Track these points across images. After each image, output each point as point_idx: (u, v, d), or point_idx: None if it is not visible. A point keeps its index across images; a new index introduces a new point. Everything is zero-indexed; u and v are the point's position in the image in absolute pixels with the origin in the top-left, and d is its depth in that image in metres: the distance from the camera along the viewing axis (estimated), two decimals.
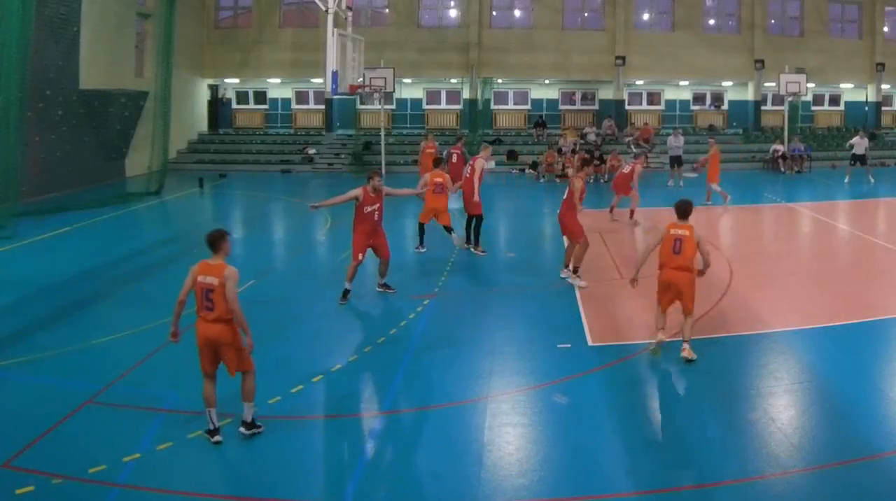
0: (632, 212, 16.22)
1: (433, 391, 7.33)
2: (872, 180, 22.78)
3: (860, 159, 23.22)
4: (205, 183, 23.30)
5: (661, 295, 8.02)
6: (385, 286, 10.55)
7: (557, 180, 24.13)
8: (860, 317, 9.20)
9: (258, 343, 8.69)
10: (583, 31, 29.87)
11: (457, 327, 9.14)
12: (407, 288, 10.83)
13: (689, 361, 7.63)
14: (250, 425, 6.21)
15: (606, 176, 23.81)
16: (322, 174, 26.95)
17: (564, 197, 11.03)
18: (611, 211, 16.54)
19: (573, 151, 25.60)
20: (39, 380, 7.50)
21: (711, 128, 30.80)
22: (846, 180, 22.81)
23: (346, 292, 10.04)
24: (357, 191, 9.95)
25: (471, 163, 13.20)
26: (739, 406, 6.77)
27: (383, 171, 26.25)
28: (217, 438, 6.08)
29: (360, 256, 10.03)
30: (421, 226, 13.12)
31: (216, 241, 6.17)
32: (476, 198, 12.83)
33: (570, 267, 10.98)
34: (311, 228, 16.30)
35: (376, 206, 10.06)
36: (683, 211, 7.96)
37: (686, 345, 7.79)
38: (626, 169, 16.66)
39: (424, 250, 13.07)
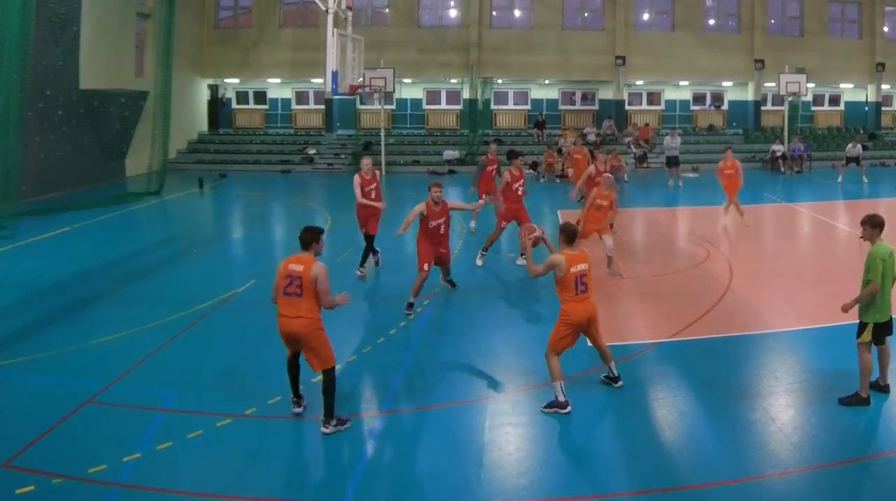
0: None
1: (433, 391, 7.33)
2: (866, 180, 22.88)
3: (854, 160, 23.48)
4: (205, 183, 23.30)
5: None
6: (450, 282, 10.59)
7: (558, 180, 24.14)
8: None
9: (257, 344, 8.73)
10: (583, 31, 29.88)
11: (457, 327, 9.14)
12: (407, 288, 10.82)
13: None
14: (616, 378, 7.17)
15: None
16: (322, 174, 26.96)
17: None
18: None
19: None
20: (39, 380, 7.50)
21: (711, 128, 30.82)
22: (839, 179, 22.87)
23: (410, 305, 9.59)
24: (421, 207, 9.67)
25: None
26: (739, 406, 6.77)
27: (383, 171, 26.33)
28: (568, 410, 6.63)
29: (427, 267, 9.62)
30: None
31: (575, 234, 6.98)
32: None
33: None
34: None
35: (441, 220, 9.72)
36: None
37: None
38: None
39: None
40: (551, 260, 6.79)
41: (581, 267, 6.78)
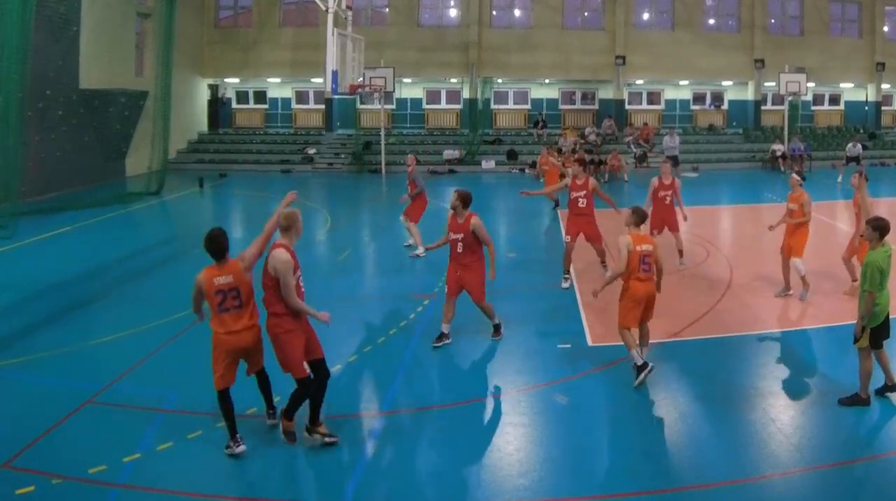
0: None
1: (433, 391, 7.33)
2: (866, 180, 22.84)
3: (854, 159, 23.49)
4: (205, 182, 23.30)
5: None
6: (496, 329, 8.61)
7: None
8: None
9: None
10: (583, 31, 29.87)
11: (457, 327, 9.12)
12: (407, 288, 10.83)
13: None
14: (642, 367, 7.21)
15: (606, 176, 23.81)
16: (322, 174, 26.96)
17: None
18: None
19: (573, 151, 25.64)
20: (39, 380, 7.50)
21: (711, 127, 30.82)
22: (839, 179, 22.85)
23: (441, 335, 8.30)
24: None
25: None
26: (739, 406, 6.77)
27: (383, 171, 26.33)
28: (650, 367, 7.13)
29: (447, 295, 8.27)
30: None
31: (645, 216, 7.48)
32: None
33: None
34: (311, 228, 16.28)
35: (459, 236, 7.92)
36: None
37: None
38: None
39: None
40: (619, 241, 7.23)
41: (646, 247, 7.21)
